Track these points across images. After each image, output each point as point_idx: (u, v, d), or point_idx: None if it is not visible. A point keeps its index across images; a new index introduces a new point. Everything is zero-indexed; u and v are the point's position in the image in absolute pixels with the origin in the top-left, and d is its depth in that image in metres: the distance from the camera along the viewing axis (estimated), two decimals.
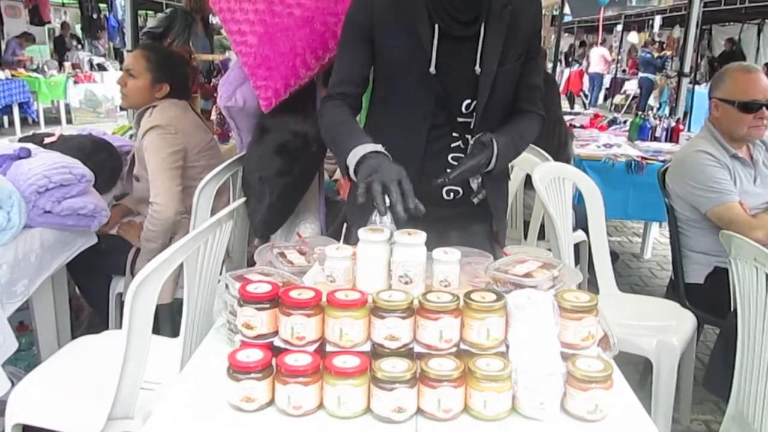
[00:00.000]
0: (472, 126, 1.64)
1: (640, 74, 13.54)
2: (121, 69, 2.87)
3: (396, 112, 1.66)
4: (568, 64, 17.16)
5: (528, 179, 3.10)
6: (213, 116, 3.91)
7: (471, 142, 1.62)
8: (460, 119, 1.64)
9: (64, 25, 12.78)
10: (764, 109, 2.39)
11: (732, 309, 1.95)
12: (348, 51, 1.67)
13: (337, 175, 3.40)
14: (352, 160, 1.46)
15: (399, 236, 1.29)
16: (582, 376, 1.11)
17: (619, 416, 1.13)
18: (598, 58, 15.28)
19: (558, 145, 3.31)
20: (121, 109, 8.10)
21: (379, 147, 1.46)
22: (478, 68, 1.58)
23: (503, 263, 1.37)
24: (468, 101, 1.62)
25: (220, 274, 1.83)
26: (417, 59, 1.57)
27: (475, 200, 1.70)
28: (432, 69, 1.57)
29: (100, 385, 1.68)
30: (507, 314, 1.17)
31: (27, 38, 11.28)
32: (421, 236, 1.29)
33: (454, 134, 1.66)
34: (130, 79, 2.61)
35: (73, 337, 2.32)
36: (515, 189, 3.13)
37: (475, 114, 1.63)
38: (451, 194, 1.70)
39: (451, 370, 1.10)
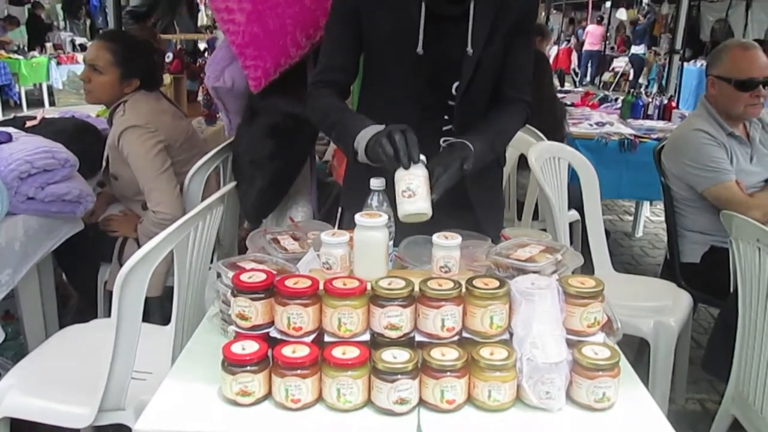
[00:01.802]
0: (455, 109, 1.59)
1: (632, 50, 13.48)
2: None
3: (386, 96, 1.61)
4: (565, 41, 17.07)
5: (521, 160, 3.07)
6: (200, 97, 3.83)
7: (442, 145, 1.55)
8: (450, 102, 1.59)
9: (36, 5, 12.28)
10: (761, 87, 2.35)
11: (732, 289, 1.93)
12: (335, 34, 1.62)
13: (328, 156, 3.35)
14: (360, 142, 1.42)
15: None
16: (588, 364, 1.08)
17: (627, 404, 1.10)
18: (597, 36, 15.19)
19: (554, 125, 3.27)
20: None
21: (380, 126, 1.42)
22: (470, 48, 1.52)
23: (504, 247, 1.33)
24: (458, 83, 1.57)
25: (211, 261, 1.78)
26: (405, 39, 1.52)
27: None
28: (419, 49, 1.51)
29: (90, 375, 1.64)
30: (510, 301, 1.14)
31: (11, 21, 11.03)
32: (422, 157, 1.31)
33: (446, 117, 1.61)
34: (94, 74, 2.40)
35: (61, 324, 2.27)
36: (509, 170, 3.09)
37: (456, 96, 1.57)
38: None
39: (454, 360, 1.07)
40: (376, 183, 1.35)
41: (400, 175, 1.30)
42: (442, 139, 1.60)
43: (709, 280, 2.39)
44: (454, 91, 1.57)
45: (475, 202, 1.65)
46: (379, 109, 1.60)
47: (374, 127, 1.42)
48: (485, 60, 1.55)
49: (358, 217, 1.26)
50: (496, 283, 1.14)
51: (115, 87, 2.41)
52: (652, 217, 4.98)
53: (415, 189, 1.28)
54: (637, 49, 13.31)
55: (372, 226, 1.25)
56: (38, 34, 11.35)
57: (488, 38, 1.53)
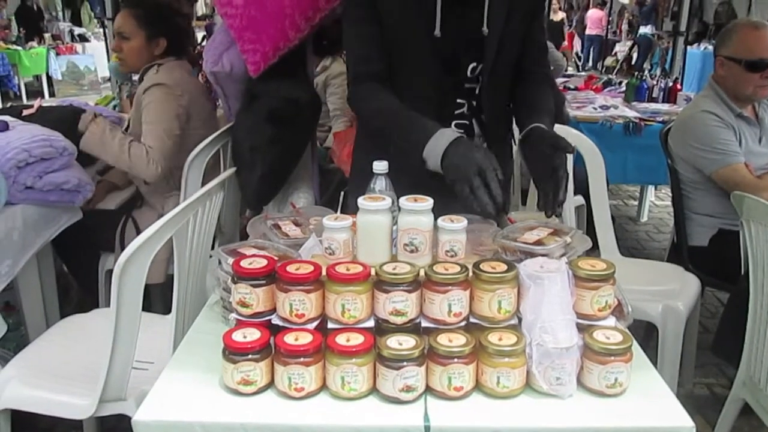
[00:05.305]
0: (477, 91, 1.58)
1: (641, 30, 13.35)
2: (104, 36, 2.67)
3: (404, 81, 1.57)
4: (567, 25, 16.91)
5: None
6: None
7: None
8: (466, 84, 1.58)
9: None
10: None
11: (743, 272, 1.90)
12: (361, 22, 1.56)
13: (329, 142, 3.31)
14: (432, 155, 1.36)
15: (404, 202, 1.22)
16: (600, 349, 1.05)
17: (640, 390, 1.07)
18: (596, 20, 15.08)
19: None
20: (107, 80, 7.89)
21: (451, 133, 1.37)
22: (485, 28, 1.51)
23: (511, 231, 1.30)
24: (474, 64, 1.56)
25: (212, 248, 1.75)
26: (421, 22, 1.50)
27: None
28: (437, 31, 1.50)
29: (91, 365, 1.62)
30: (519, 285, 1.10)
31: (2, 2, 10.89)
32: (427, 202, 1.22)
33: (459, 101, 1.59)
34: (123, 42, 2.47)
35: (62, 315, 2.24)
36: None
37: (481, 78, 1.57)
38: None
39: (462, 346, 1.04)
40: (379, 166, 1.32)
41: (405, 226, 1.22)
42: (455, 116, 1.59)
43: (717, 263, 2.36)
44: (469, 73, 1.57)
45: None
46: (396, 94, 1.56)
47: (441, 133, 1.37)
48: (505, 40, 1.54)
49: (361, 200, 1.23)
50: (504, 267, 1.11)
51: (143, 50, 2.46)
52: (657, 201, 4.94)
53: (418, 245, 1.21)
54: (645, 30, 13.17)
55: (375, 209, 1.21)
56: (31, 23, 11.18)
57: (506, 18, 1.52)
